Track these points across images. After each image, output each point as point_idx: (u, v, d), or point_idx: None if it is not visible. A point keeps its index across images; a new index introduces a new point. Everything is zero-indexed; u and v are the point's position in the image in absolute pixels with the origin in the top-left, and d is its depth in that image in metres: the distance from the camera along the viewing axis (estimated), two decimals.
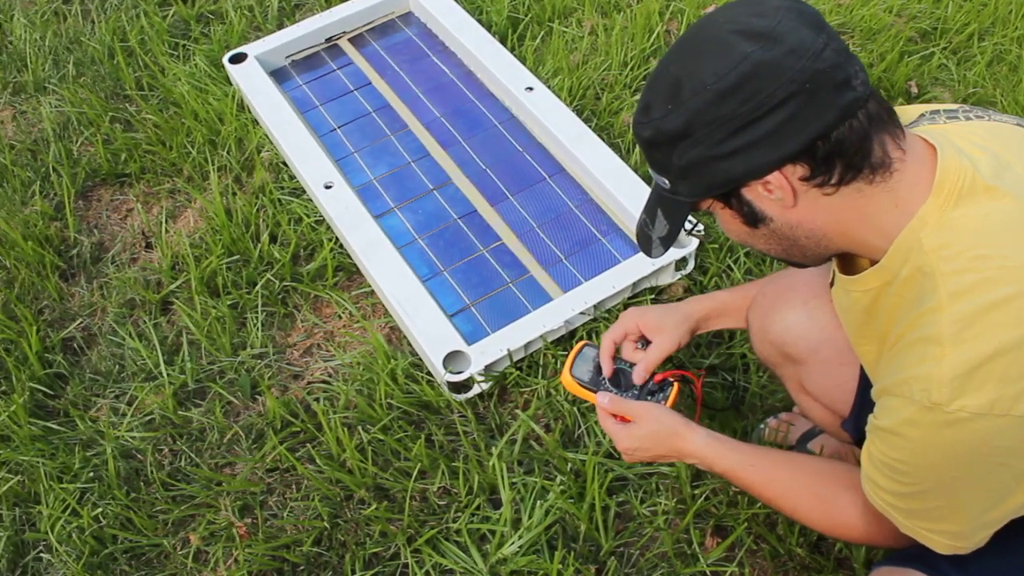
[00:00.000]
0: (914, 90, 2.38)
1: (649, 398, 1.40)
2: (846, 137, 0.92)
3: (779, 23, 0.92)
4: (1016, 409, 0.88)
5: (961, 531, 1.00)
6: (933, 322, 0.91)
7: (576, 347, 1.44)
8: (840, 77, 0.92)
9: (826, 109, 0.91)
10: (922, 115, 1.12)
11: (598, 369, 1.41)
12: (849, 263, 1.10)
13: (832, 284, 1.18)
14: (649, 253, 1.18)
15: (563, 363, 1.44)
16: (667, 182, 1.05)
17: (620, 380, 1.41)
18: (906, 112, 1.14)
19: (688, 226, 1.18)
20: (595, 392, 1.38)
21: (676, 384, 1.42)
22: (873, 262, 1.02)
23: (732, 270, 1.94)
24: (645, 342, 1.46)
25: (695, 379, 1.49)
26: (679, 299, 1.91)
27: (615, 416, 1.34)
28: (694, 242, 1.90)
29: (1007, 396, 0.87)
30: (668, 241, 1.14)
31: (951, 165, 0.94)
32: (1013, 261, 0.89)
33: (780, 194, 0.97)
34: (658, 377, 1.42)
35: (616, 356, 1.45)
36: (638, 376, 1.41)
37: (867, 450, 1.03)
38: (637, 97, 1.05)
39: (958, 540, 1.01)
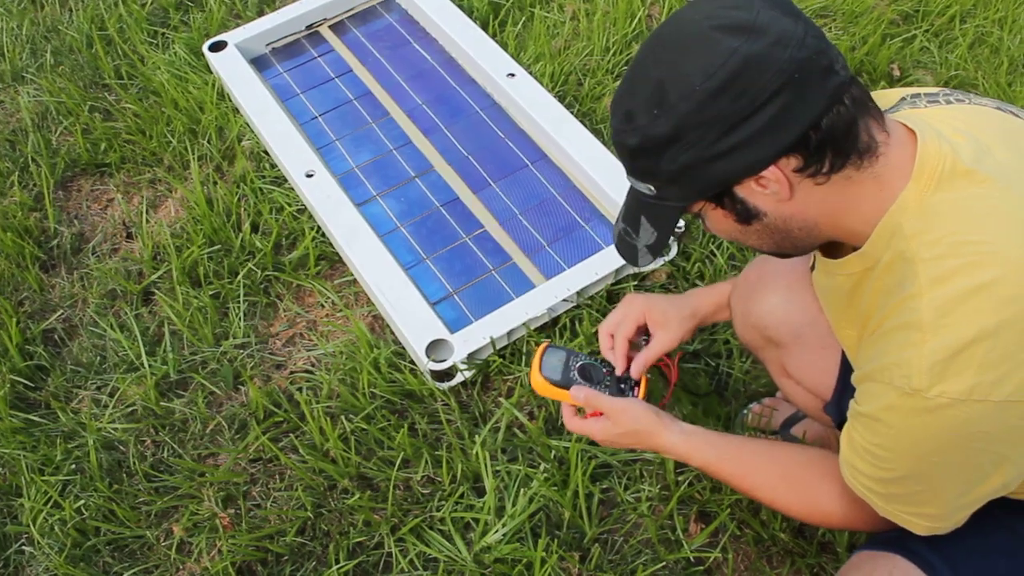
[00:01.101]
0: (896, 73, 2.38)
1: (622, 387, 1.40)
2: (835, 123, 0.91)
3: (758, 14, 0.90)
4: (995, 395, 0.88)
5: (940, 513, 1.00)
6: (913, 308, 0.91)
7: (539, 349, 1.40)
8: (824, 63, 0.91)
9: (816, 97, 0.90)
10: (903, 99, 1.11)
11: (567, 367, 1.38)
12: (830, 250, 1.10)
13: (813, 268, 1.18)
14: (635, 262, 1.15)
15: (530, 366, 1.41)
16: (652, 188, 1.03)
17: (591, 375, 1.38)
18: (887, 96, 1.14)
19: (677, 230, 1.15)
20: (567, 389, 1.36)
21: (644, 377, 1.42)
22: (856, 248, 1.02)
23: (715, 255, 1.94)
24: (644, 331, 1.46)
25: (670, 366, 1.49)
26: (662, 285, 1.91)
27: (588, 413, 1.34)
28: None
29: (986, 382, 0.87)
30: (657, 248, 1.11)
31: (931, 150, 0.94)
32: (993, 247, 0.89)
33: (776, 188, 0.95)
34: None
35: (583, 352, 1.43)
36: (635, 372, 1.40)
37: (847, 435, 1.03)
38: (619, 83, 1.03)
39: (936, 521, 1.01)
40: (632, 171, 1.04)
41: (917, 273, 0.91)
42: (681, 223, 1.86)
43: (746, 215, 1.01)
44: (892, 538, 1.10)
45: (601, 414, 1.32)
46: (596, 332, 1.55)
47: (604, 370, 1.40)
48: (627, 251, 1.14)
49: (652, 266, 1.92)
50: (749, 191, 0.98)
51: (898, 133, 0.97)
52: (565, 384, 1.36)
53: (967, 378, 0.87)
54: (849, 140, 0.93)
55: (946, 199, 0.93)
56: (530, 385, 1.43)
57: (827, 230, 1.01)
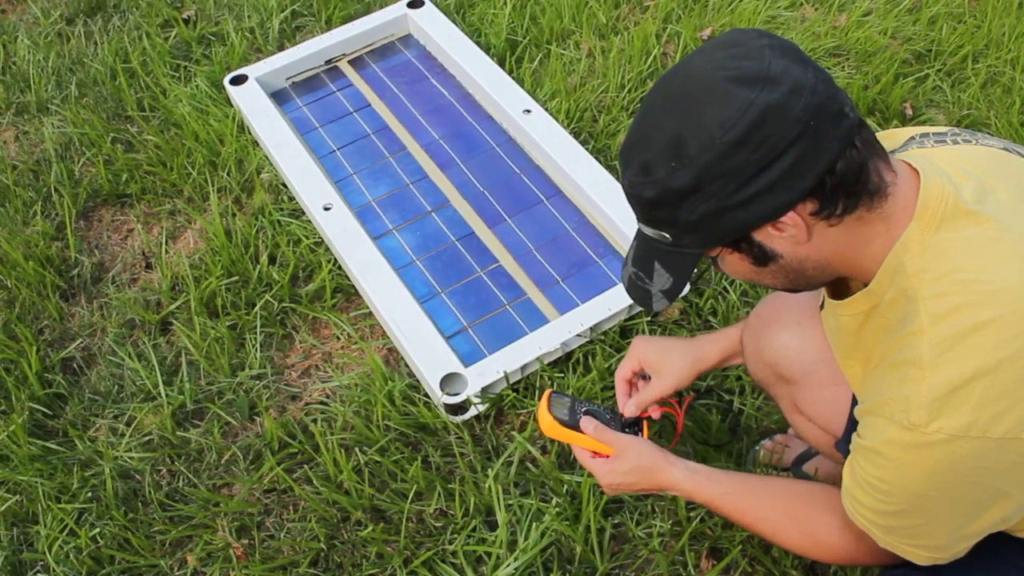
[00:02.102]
0: (909, 112, 2.40)
1: (627, 430, 1.42)
2: (849, 167, 0.93)
3: (770, 64, 0.92)
4: (992, 432, 0.89)
5: (940, 544, 1.02)
6: (914, 344, 0.92)
7: (545, 395, 1.42)
8: (835, 108, 0.93)
9: (830, 142, 0.92)
10: (911, 138, 1.13)
11: (572, 410, 1.40)
12: (839, 286, 1.11)
13: (822, 307, 1.19)
14: (649, 307, 1.16)
15: (537, 412, 1.43)
16: (668, 236, 1.04)
17: (596, 418, 1.40)
18: (896, 135, 1.16)
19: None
20: (577, 430, 1.37)
21: (646, 421, 1.46)
22: (865, 284, 1.03)
23: (728, 292, 1.95)
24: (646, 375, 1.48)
25: (676, 412, 1.52)
26: (675, 321, 1.92)
27: (593, 453, 1.36)
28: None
29: (983, 419, 0.89)
30: (674, 293, 1.12)
31: (934, 189, 0.96)
32: (993, 285, 0.90)
33: (793, 232, 0.97)
34: (652, 414, 1.46)
35: (586, 399, 1.45)
36: (629, 410, 1.43)
37: (849, 467, 1.04)
38: (628, 134, 1.04)
39: (937, 552, 1.03)
40: (646, 220, 1.05)
41: (919, 311, 0.93)
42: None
43: (763, 258, 1.02)
44: (896, 574, 1.11)
45: (608, 456, 1.33)
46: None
47: (608, 416, 1.43)
48: (639, 295, 1.16)
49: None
50: (766, 235, 0.99)
51: (903, 173, 0.99)
52: (574, 424, 1.37)
53: (965, 414, 0.89)
54: (861, 182, 0.95)
55: (948, 238, 0.94)
56: (538, 426, 1.44)
57: (839, 268, 1.03)
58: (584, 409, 1.41)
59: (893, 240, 0.97)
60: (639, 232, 1.10)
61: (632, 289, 1.16)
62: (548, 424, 1.39)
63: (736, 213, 0.96)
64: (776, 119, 0.90)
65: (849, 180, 0.94)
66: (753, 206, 0.95)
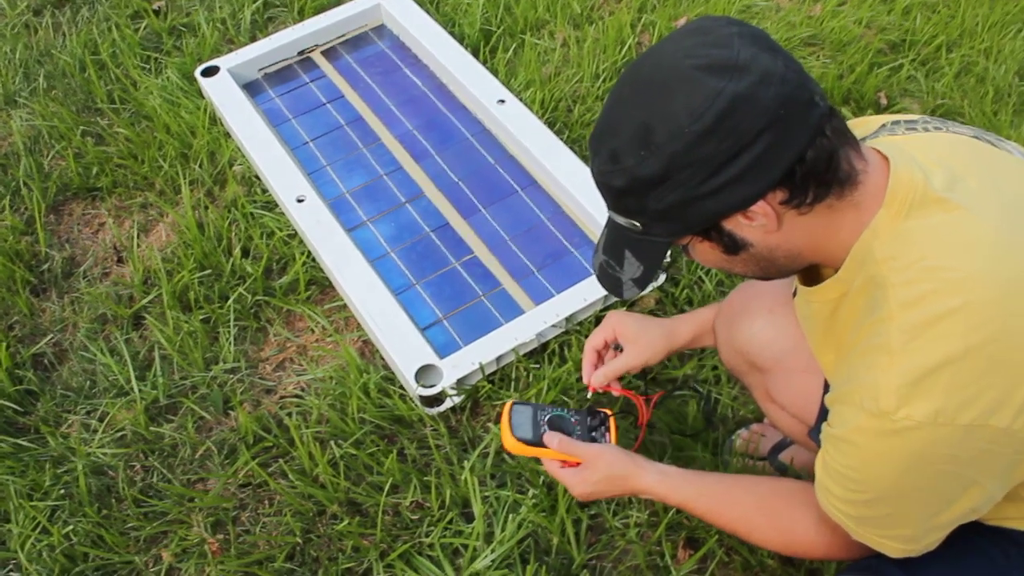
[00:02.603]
0: (883, 101, 2.41)
1: (593, 434, 1.41)
2: (819, 156, 0.93)
3: (739, 52, 0.91)
4: (960, 419, 0.89)
5: (911, 535, 1.02)
6: (883, 331, 0.93)
7: (505, 411, 1.41)
8: (805, 96, 0.92)
9: (800, 131, 0.92)
10: (883, 126, 1.13)
11: (535, 423, 1.39)
12: (811, 273, 1.11)
13: (795, 294, 1.19)
14: (620, 295, 1.16)
15: (500, 428, 1.42)
16: (638, 224, 1.04)
17: (561, 428, 1.39)
18: (868, 123, 1.16)
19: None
20: (542, 446, 1.36)
21: (612, 419, 1.45)
22: (836, 271, 1.03)
23: (703, 281, 1.95)
24: (618, 347, 1.48)
25: (641, 408, 1.52)
26: (651, 310, 1.92)
27: (562, 463, 1.35)
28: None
29: (951, 407, 0.89)
30: (644, 281, 1.12)
31: (903, 176, 0.96)
32: (961, 273, 0.91)
33: (763, 221, 0.97)
34: (614, 391, 1.44)
35: (549, 404, 1.44)
36: (596, 381, 1.42)
37: (821, 458, 1.05)
38: (597, 121, 1.03)
39: (909, 543, 1.03)
40: (616, 208, 1.05)
41: (887, 297, 0.93)
42: (668, 254, 1.87)
43: (733, 247, 1.02)
44: (867, 565, 1.12)
45: (577, 464, 1.33)
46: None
47: (573, 419, 1.42)
48: (611, 283, 1.15)
49: (641, 293, 1.93)
50: (736, 224, 0.99)
51: (874, 160, 0.99)
52: (538, 440, 1.37)
53: (933, 401, 0.89)
54: (831, 171, 0.95)
55: (917, 225, 0.94)
56: (503, 447, 1.43)
57: (810, 256, 1.03)
58: (547, 417, 1.40)
59: (863, 227, 0.97)
60: (610, 220, 1.10)
61: (603, 277, 1.16)
62: (512, 444, 1.37)
63: (705, 202, 0.96)
64: (745, 109, 0.90)
65: (819, 169, 0.94)
66: (722, 195, 0.95)
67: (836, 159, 0.95)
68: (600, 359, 1.49)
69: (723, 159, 0.92)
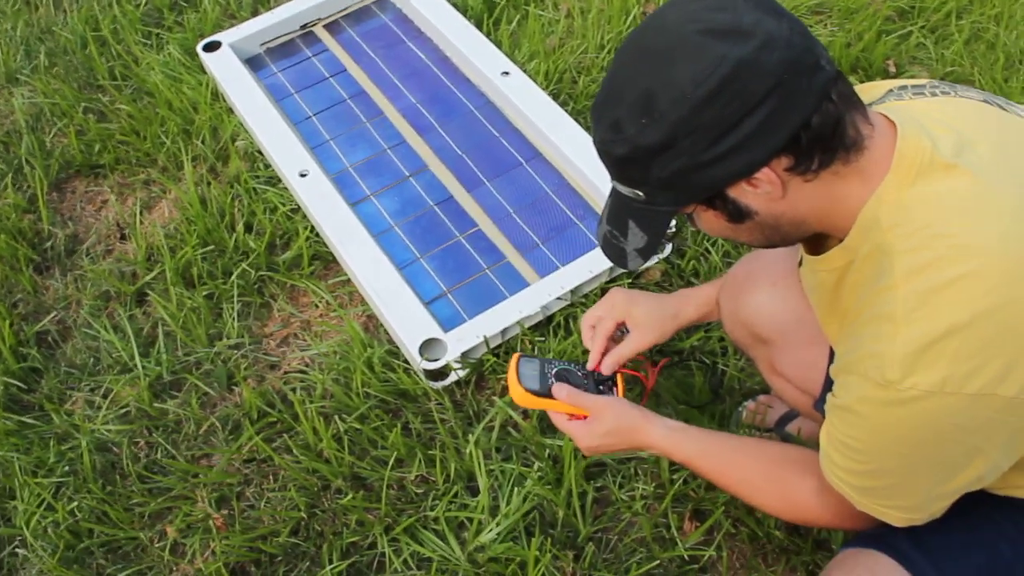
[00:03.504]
0: (892, 69, 2.37)
1: (601, 389, 1.40)
2: (824, 121, 0.91)
3: (742, 16, 0.89)
4: (967, 387, 0.87)
5: (914, 504, 1.01)
6: (888, 300, 0.91)
7: (512, 362, 1.39)
8: (811, 60, 0.90)
9: (805, 96, 0.89)
10: (890, 91, 1.11)
11: (543, 375, 1.38)
12: (817, 243, 1.09)
13: (800, 264, 1.17)
14: (624, 265, 1.14)
15: (507, 381, 1.40)
16: (641, 194, 1.02)
17: (569, 380, 1.38)
18: (874, 88, 1.13)
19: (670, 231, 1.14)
20: (550, 398, 1.35)
21: (620, 375, 1.43)
22: (841, 240, 1.01)
23: (710, 253, 1.93)
24: (624, 328, 1.46)
25: (647, 374, 1.50)
26: (656, 283, 1.91)
27: (569, 415, 1.34)
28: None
29: (958, 375, 0.87)
30: (648, 251, 1.10)
31: (910, 143, 0.94)
32: (968, 240, 0.89)
33: (768, 188, 0.95)
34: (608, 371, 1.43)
35: (555, 358, 1.43)
36: (607, 368, 1.41)
37: (826, 428, 1.03)
38: (599, 90, 1.02)
39: (912, 512, 1.01)
40: (619, 178, 1.03)
41: (893, 265, 0.91)
42: (672, 224, 1.85)
43: (738, 215, 1.00)
44: (875, 535, 1.10)
45: (585, 418, 1.32)
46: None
47: (580, 373, 1.40)
48: (615, 254, 1.13)
49: (646, 264, 1.91)
50: (741, 192, 0.97)
51: (880, 126, 0.96)
52: (546, 392, 1.35)
53: (939, 370, 0.87)
54: (837, 136, 0.93)
55: (924, 192, 0.92)
56: (511, 399, 1.42)
57: (815, 224, 1.01)
58: (555, 370, 1.39)
59: (869, 194, 0.95)
60: (613, 190, 1.08)
61: (607, 247, 1.14)
62: (520, 395, 1.36)
63: (709, 170, 0.94)
64: (748, 74, 0.88)
65: (825, 135, 0.92)
66: (726, 163, 0.93)
67: (842, 124, 0.93)
68: (596, 332, 1.47)
69: (726, 125, 0.90)
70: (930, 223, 0.91)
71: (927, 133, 0.95)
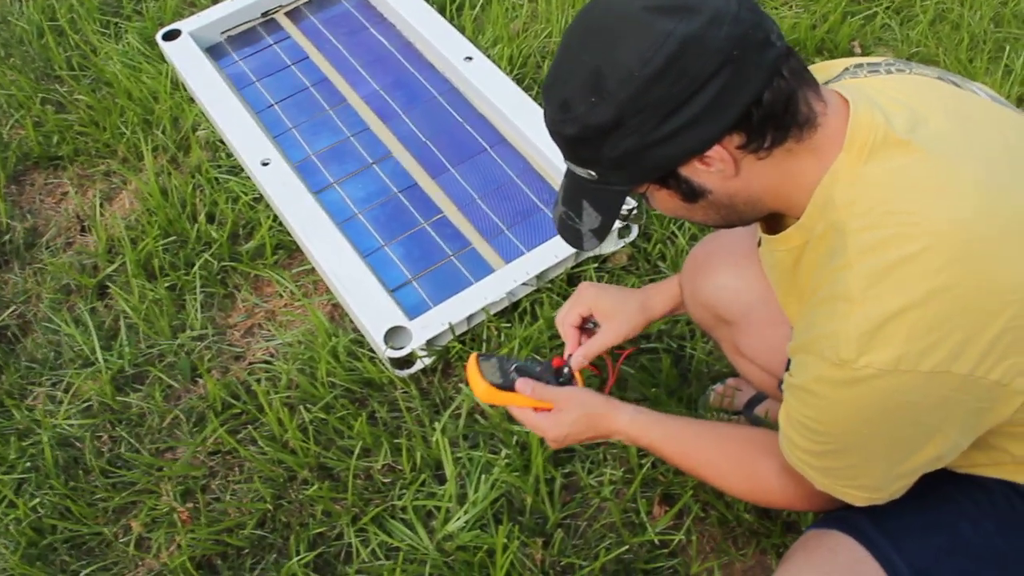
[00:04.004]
0: (857, 50, 2.37)
1: (560, 381, 1.39)
2: (776, 98, 0.90)
3: None
4: (922, 365, 0.87)
5: (874, 484, 1.00)
6: (842, 279, 0.90)
7: (471, 361, 1.37)
8: (760, 36, 0.89)
9: (755, 72, 0.89)
10: (846, 69, 1.10)
11: (503, 371, 1.36)
12: (774, 222, 1.09)
13: (760, 244, 1.17)
14: (580, 246, 1.12)
15: (468, 381, 1.38)
16: (594, 174, 1.01)
17: (529, 374, 1.36)
18: (830, 67, 1.13)
19: (624, 211, 1.13)
20: (512, 391, 1.33)
21: (579, 374, 1.42)
22: (797, 219, 1.01)
23: (676, 236, 1.92)
24: (594, 321, 1.45)
25: (609, 364, 1.48)
26: (623, 267, 1.90)
27: (535, 409, 1.32)
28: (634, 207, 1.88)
29: (913, 352, 0.87)
30: (603, 232, 1.09)
31: (863, 120, 0.93)
32: (921, 217, 0.88)
33: (721, 166, 0.94)
34: (558, 361, 1.41)
35: (510, 356, 1.41)
36: (575, 363, 1.39)
37: (784, 409, 1.03)
38: (549, 69, 1.01)
39: (873, 492, 1.01)
40: (571, 158, 1.02)
41: (847, 244, 0.91)
42: (628, 204, 1.84)
43: (691, 194, 0.99)
44: (838, 516, 1.10)
45: (549, 410, 1.31)
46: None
47: (539, 368, 1.39)
48: (571, 235, 1.12)
49: (612, 248, 1.90)
50: (693, 170, 0.96)
51: (834, 102, 0.96)
52: (509, 386, 1.34)
53: (894, 348, 0.87)
54: (789, 113, 0.92)
55: (877, 169, 0.92)
56: (473, 396, 1.40)
57: (770, 203, 1.01)
58: (514, 367, 1.37)
59: (823, 172, 0.95)
60: (568, 170, 1.07)
61: (563, 229, 1.13)
62: (484, 391, 1.34)
63: (660, 149, 0.93)
64: (696, 50, 0.87)
65: (776, 111, 0.91)
66: (677, 141, 0.92)
67: (794, 101, 0.92)
68: (582, 334, 1.46)
69: (675, 103, 0.89)
70: (883, 200, 0.90)
71: (880, 109, 0.94)
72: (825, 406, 0.94)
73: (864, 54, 2.36)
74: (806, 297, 1.00)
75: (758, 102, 0.89)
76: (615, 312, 1.42)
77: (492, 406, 1.66)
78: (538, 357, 1.64)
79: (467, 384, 1.70)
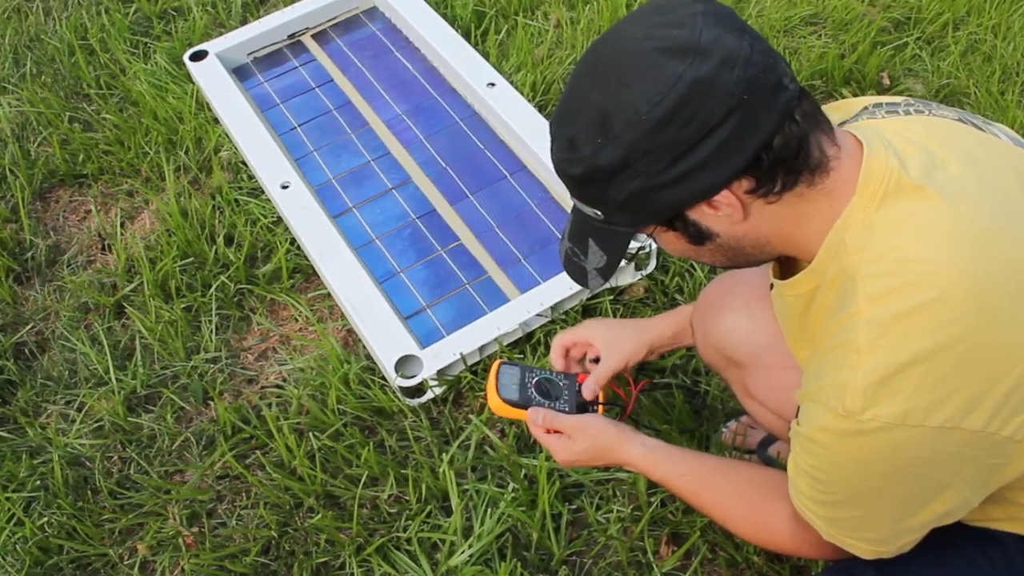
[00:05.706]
0: (886, 81, 2.34)
1: (587, 406, 1.37)
2: (787, 142, 0.88)
3: (701, 33, 0.86)
4: (930, 420, 0.84)
5: (881, 537, 0.97)
6: (851, 327, 0.88)
7: (493, 369, 1.37)
8: (772, 80, 0.87)
9: (766, 116, 0.87)
10: (864, 108, 1.08)
11: (523, 384, 1.35)
12: (787, 265, 1.06)
13: (772, 287, 1.14)
14: (585, 284, 1.11)
15: (486, 388, 1.37)
16: (600, 213, 0.99)
17: (549, 391, 1.35)
18: (849, 106, 1.10)
19: (631, 251, 1.11)
20: (526, 409, 1.33)
21: (603, 391, 1.40)
22: (809, 263, 0.98)
23: (694, 269, 1.90)
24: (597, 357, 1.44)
25: (624, 394, 1.47)
26: (640, 299, 1.87)
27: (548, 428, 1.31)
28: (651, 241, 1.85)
29: (920, 407, 0.84)
30: (608, 271, 1.07)
31: (877, 163, 0.91)
32: (933, 265, 0.85)
33: (729, 211, 0.92)
34: (583, 377, 1.40)
35: (538, 367, 1.40)
36: (587, 391, 1.38)
37: (792, 455, 1.00)
38: (557, 105, 0.99)
39: (879, 545, 0.98)
40: (578, 196, 1.00)
41: (856, 291, 0.88)
42: (634, 245, 1.82)
43: (699, 237, 0.97)
44: (845, 567, 1.08)
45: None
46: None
47: (562, 383, 1.37)
48: (576, 272, 1.10)
49: (629, 280, 1.88)
50: (701, 214, 0.94)
51: (848, 145, 0.93)
52: (524, 403, 1.33)
53: (901, 402, 0.84)
54: (800, 158, 0.90)
55: (890, 215, 0.89)
56: (487, 406, 1.39)
57: (780, 246, 0.98)
58: (535, 379, 1.36)
59: (836, 217, 0.92)
60: (574, 207, 1.05)
61: (568, 265, 1.11)
62: (496, 404, 1.34)
63: (666, 192, 0.91)
64: (705, 94, 0.85)
65: (787, 156, 0.89)
66: (684, 185, 0.90)
67: (806, 145, 0.90)
68: (568, 358, 1.45)
69: (684, 147, 0.87)
70: (896, 247, 0.88)
71: (895, 152, 0.92)
72: (829, 456, 0.92)
73: (893, 85, 2.33)
74: (816, 343, 0.97)
75: (768, 146, 0.87)
76: (614, 338, 1.41)
77: (511, 422, 1.67)
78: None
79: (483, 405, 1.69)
